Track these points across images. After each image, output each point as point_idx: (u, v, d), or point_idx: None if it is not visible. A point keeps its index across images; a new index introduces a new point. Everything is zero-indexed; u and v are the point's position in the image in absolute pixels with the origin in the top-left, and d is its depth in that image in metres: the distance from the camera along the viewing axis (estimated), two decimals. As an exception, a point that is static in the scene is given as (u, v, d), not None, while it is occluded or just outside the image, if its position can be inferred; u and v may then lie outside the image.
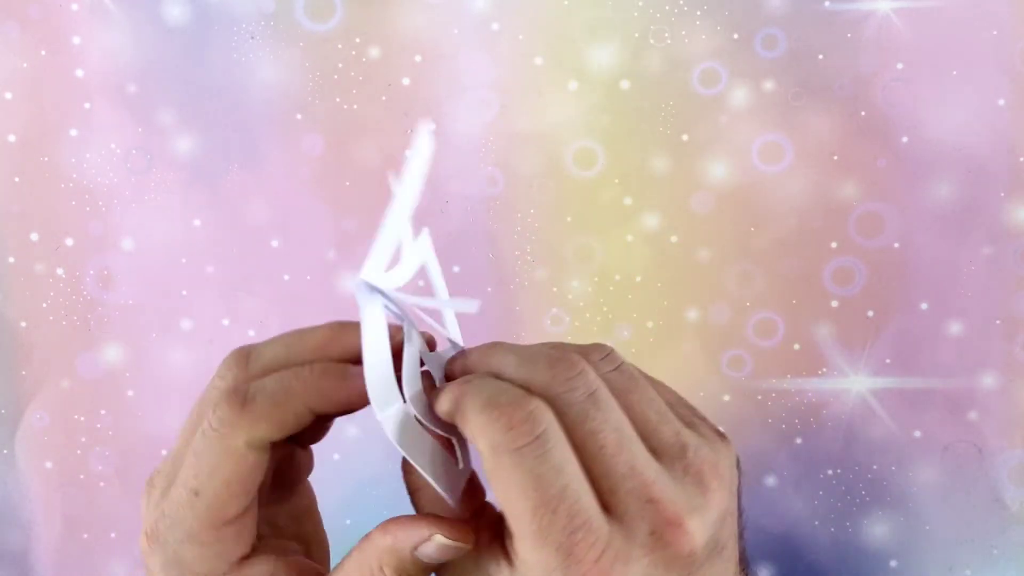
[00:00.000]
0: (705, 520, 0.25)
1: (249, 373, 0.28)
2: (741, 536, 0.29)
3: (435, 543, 0.26)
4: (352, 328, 0.29)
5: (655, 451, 0.26)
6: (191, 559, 0.27)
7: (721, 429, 0.28)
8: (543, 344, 0.28)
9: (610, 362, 0.27)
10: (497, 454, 0.24)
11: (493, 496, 0.26)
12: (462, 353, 0.29)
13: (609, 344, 0.28)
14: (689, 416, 0.28)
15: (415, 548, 0.26)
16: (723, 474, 0.26)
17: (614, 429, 0.25)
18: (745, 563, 0.29)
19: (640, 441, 0.25)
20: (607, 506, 0.25)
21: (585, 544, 0.24)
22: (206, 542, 0.27)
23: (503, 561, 0.26)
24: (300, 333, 0.29)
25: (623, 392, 0.26)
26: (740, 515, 0.28)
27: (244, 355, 0.29)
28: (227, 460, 0.27)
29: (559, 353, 0.26)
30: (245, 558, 0.28)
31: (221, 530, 0.27)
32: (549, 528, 0.24)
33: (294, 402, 0.27)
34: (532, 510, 0.24)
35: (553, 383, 0.25)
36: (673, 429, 0.26)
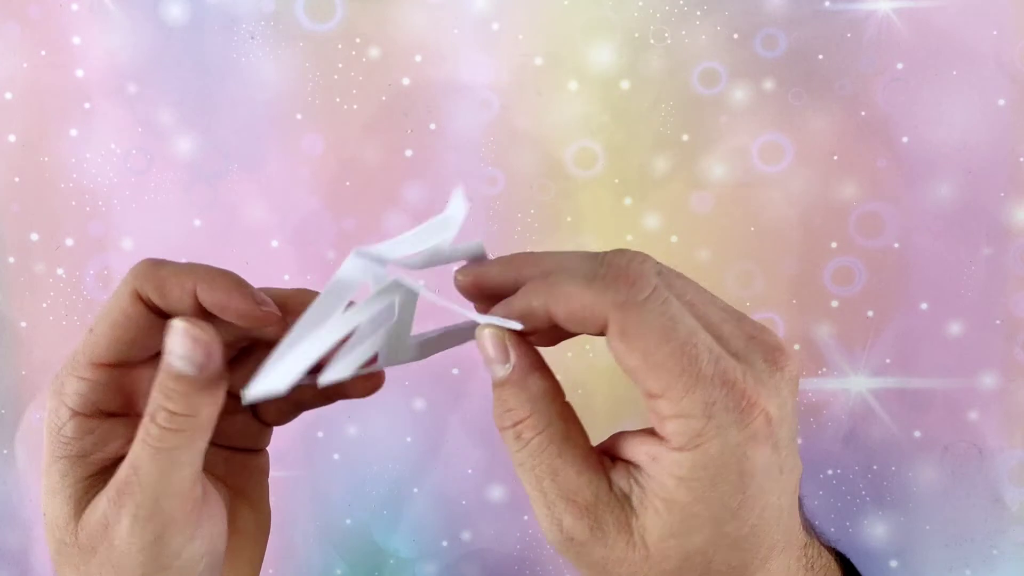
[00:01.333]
0: (783, 413, 0.27)
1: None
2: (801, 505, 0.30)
3: (172, 333, 0.27)
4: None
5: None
6: (68, 391, 0.29)
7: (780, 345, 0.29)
8: (569, 256, 0.29)
9: (660, 267, 0.28)
10: (626, 310, 0.26)
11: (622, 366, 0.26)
12: (506, 261, 0.30)
13: None
14: (748, 325, 0.29)
15: (165, 348, 0.28)
16: (781, 388, 0.27)
17: (695, 291, 0.27)
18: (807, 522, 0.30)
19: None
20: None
21: (731, 370, 0.26)
22: (84, 378, 0.29)
23: (649, 450, 0.27)
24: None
25: (680, 289, 0.28)
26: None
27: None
28: (117, 303, 0.29)
29: (618, 253, 0.28)
30: (111, 414, 0.30)
31: (98, 370, 0.29)
32: (697, 361, 0.25)
33: (183, 276, 0.29)
34: (678, 350, 0.25)
35: (630, 267, 0.27)
36: (736, 327, 0.28)
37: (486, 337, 0.28)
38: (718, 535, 0.26)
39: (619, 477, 0.27)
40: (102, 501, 0.28)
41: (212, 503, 0.30)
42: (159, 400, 0.27)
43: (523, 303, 0.28)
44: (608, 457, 0.28)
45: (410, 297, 0.30)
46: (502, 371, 0.28)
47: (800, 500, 0.29)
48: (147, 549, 0.28)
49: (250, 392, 0.26)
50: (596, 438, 0.29)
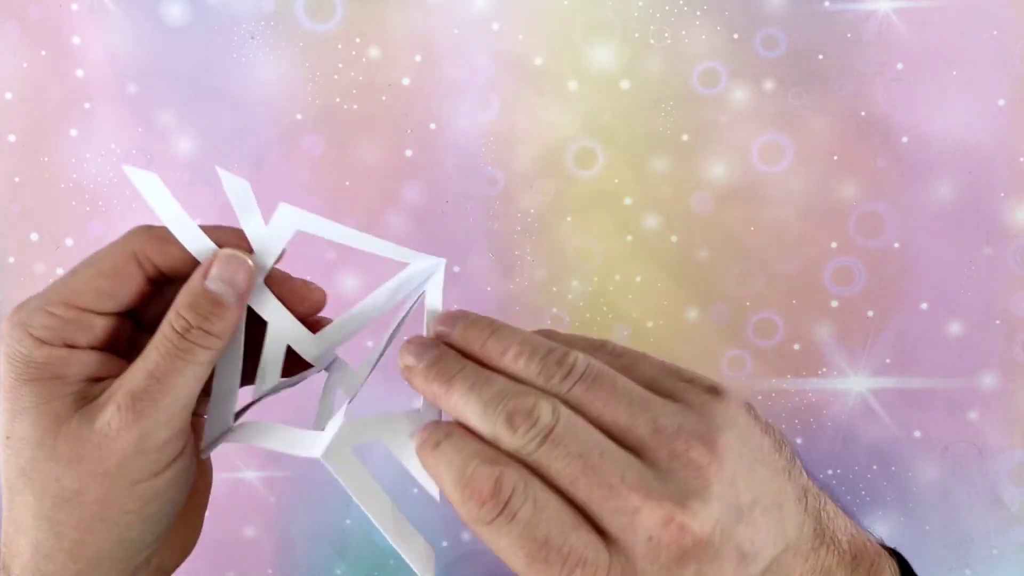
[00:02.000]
0: (707, 500, 0.25)
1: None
2: (810, 475, 0.29)
3: (220, 259, 0.31)
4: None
5: (635, 450, 0.26)
6: (36, 325, 0.30)
7: (716, 383, 0.28)
8: (510, 360, 0.29)
9: (570, 379, 0.27)
10: (478, 528, 0.27)
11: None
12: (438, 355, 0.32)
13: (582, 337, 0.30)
14: (673, 385, 0.28)
15: (204, 276, 0.30)
16: (716, 440, 0.26)
17: (578, 456, 0.26)
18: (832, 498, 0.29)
19: (612, 452, 0.26)
20: (601, 532, 0.26)
21: (579, 548, 0.25)
22: (56, 314, 0.30)
23: None
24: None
25: (586, 404, 0.27)
26: (795, 455, 0.29)
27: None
28: (109, 257, 0.31)
29: (514, 403, 0.27)
30: (77, 342, 0.30)
31: (70, 311, 0.30)
32: (547, 571, 0.25)
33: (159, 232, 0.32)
34: (526, 566, 0.26)
35: (512, 439, 0.26)
36: (649, 418, 0.26)
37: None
38: None
39: None
40: (109, 409, 0.29)
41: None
42: (193, 319, 0.29)
43: (423, 388, 0.31)
44: None
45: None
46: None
47: (816, 497, 0.29)
48: (146, 454, 0.29)
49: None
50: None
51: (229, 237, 0.33)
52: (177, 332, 0.29)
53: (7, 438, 0.30)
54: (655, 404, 0.27)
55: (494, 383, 0.28)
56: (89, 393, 0.30)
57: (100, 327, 0.31)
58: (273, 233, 0.33)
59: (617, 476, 0.25)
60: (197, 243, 0.32)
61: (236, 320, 0.31)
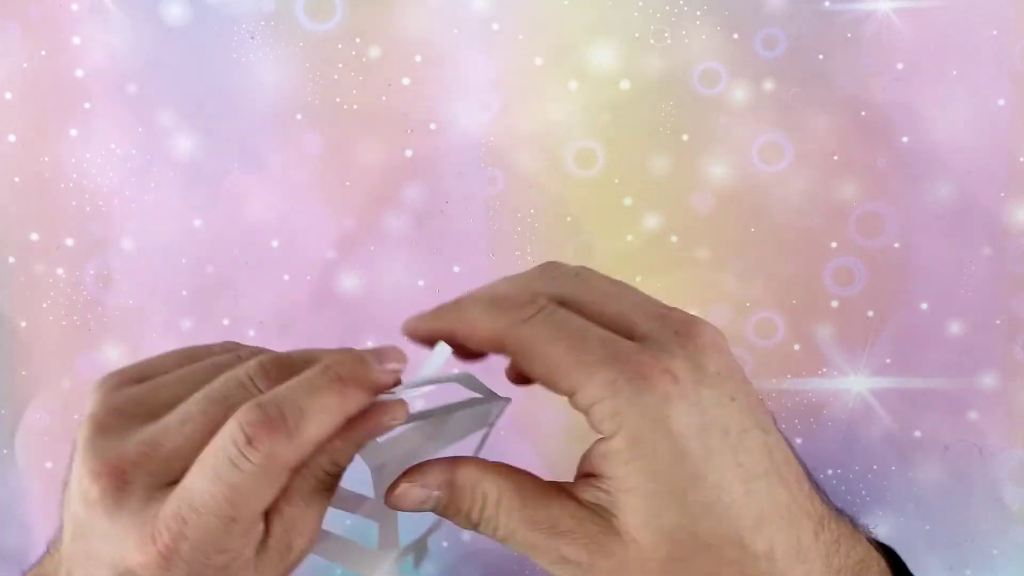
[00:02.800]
0: (702, 326, 0.28)
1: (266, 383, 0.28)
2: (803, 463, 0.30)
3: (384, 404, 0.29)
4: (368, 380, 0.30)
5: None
6: (217, 562, 0.27)
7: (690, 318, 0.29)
8: (496, 284, 0.31)
9: (563, 277, 0.30)
10: (516, 329, 0.28)
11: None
12: (423, 316, 0.31)
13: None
14: (660, 307, 0.30)
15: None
16: (701, 324, 0.29)
17: (605, 288, 0.30)
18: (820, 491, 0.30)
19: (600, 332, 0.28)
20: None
21: (623, 349, 0.27)
22: (226, 553, 0.26)
23: (598, 452, 0.28)
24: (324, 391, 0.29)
25: (585, 294, 0.30)
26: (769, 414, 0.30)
27: (282, 427, 0.27)
28: (268, 489, 0.26)
29: (514, 296, 0.29)
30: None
31: (243, 539, 0.27)
32: (588, 350, 0.27)
33: (335, 417, 0.27)
34: (568, 346, 0.27)
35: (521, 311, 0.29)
36: (646, 312, 0.29)
37: (406, 493, 0.29)
38: (685, 505, 0.27)
39: (584, 492, 0.28)
40: (271, 542, 0.28)
41: None
42: (344, 461, 0.29)
43: (429, 323, 0.30)
44: (575, 481, 0.29)
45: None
46: (437, 501, 0.29)
47: (812, 479, 0.30)
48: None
49: None
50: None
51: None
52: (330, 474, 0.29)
53: None
54: (649, 305, 0.30)
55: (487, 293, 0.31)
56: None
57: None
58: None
59: (632, 304, 0.29)
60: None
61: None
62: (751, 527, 0.27)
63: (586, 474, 0.29)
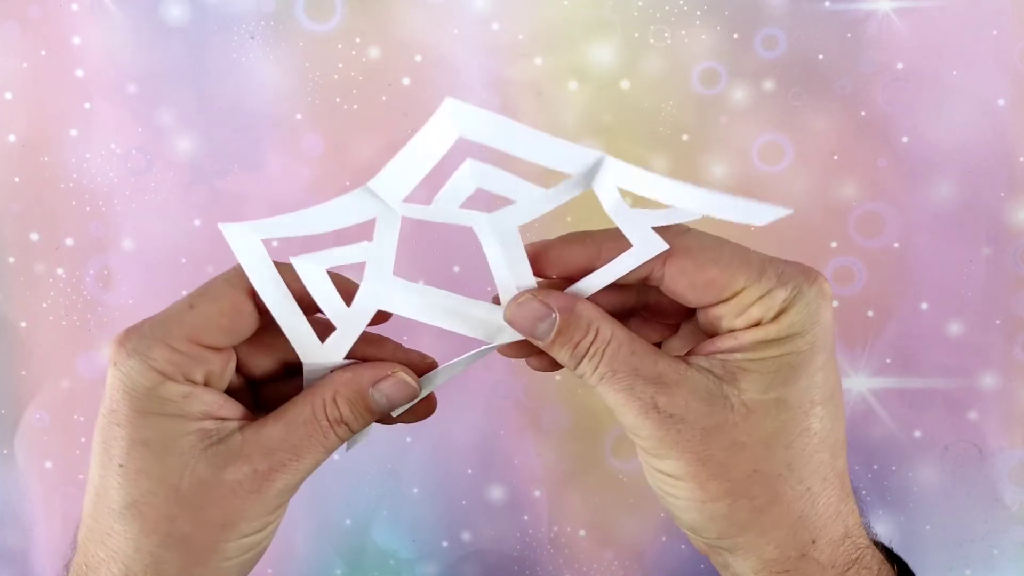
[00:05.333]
0: (823, 276, 0.31)
1: None
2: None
3: (394, 379, 0.31)
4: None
5: None
6: (156, 357, 0.30)
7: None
8: None
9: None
10: (683, 237, 0.31)
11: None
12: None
13: None
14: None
15: (374, 384, 0.31)
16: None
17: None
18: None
19: None
20: None
21: (782, 259, 0.30)
22: (176, 351, 0.30)
23: (725, 343, 0.30)
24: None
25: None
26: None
27: None
28: (230, 293, 0.31)
29: None
30: (200, 378, 0.31)
31: (192, 347, 0.30)
32: (753, 253, 0.30)
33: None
34: (734, 249, 0.31)
35: None
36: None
37: (527, 304, 0.30)
38: (812, 385, 0.29)
39: (698, 360, 0.30)
40: (243, 468, 0.30)
41: None
42: (347, 416, 0.31)
43: (570, 254, 0.31)
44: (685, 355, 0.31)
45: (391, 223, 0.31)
46: (551, 325, 0.30)
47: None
48: (264, 516, 0.30)
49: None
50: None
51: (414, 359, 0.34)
52: (328, 421, 0.31)
53: (120, 466, 0.29)
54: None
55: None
56: (211, 433, 0.30)
57: (216, 363, 0.31)
58: (352, 317, 0.32)
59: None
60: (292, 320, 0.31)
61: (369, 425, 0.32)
62: (840, 441, 0.30)
63: (695, 355, 0.30)
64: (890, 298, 0.54)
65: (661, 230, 0.30)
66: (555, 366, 0.33)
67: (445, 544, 0.56)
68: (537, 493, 0.56)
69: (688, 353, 0.31)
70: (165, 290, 0.55)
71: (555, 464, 0.56)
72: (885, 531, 0.55)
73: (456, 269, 0.54)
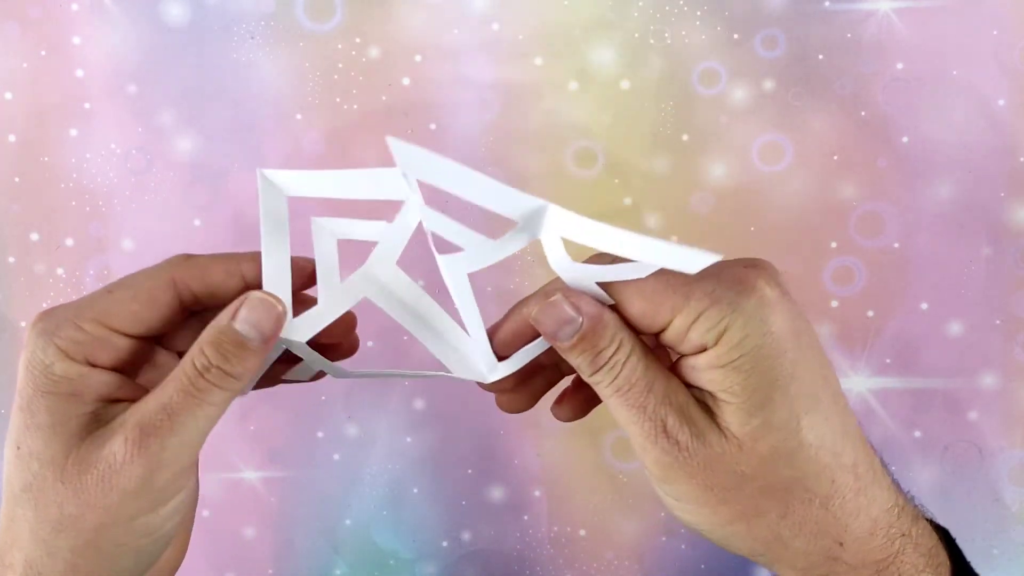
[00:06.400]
0: (764, 262, 0.31)
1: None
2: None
3: (249, 301, 0.30)
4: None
5: None
6: (60, 336, 0.29)
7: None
8: None
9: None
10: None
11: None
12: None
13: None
14: None
15: (232, 317, 0.29)
16: (761, 260, 0.31)
17: None
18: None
19: None
20: None
21: (712, 270, 0.29)
22: (81, 330, 0.30)
23: (693, 364, 0.29)
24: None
25: None
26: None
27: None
28: (148, 282, 0.31)
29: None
30: (98, 359, 0.30)
31: (100, 329, 0.30)
32: (678, 277, 0.29)
33: (230, 261, 0.31)
34: (656, 277, 0.29)
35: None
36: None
37: (557, 305, 0.30)
38: (788, 398, 0.28)
39: (691, 389, 0.30)
40: (117, 439, 0.28)
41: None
42: (214, 358, 0.29)
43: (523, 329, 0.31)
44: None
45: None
46: (575, 330, 0.30)
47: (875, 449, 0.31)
48: (149, 492, 0.29)
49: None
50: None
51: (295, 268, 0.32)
52: (196, 369, 0.29)
53: (17, 448, 0.29)
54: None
55: None
56: (104, 415, 0.29)
57: (124, 348, 0.31)
58: (339, 296, 0.32)
59: None
60: (277, 277, 0.31)
61: (257, 364, 0.30)
62: (839, 436, 0.29)
63: (685, 381, 0.30)
64: (890, 298, 0.54)
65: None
66: (574, 415, 0.33)
67: (445, 544, 0.56)
68: (537, 493, 0.56)
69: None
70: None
71: (555, 464, 0.56)
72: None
73: (456, 269, 0.54)
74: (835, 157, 0.53)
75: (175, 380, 0.29)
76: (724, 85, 0.53)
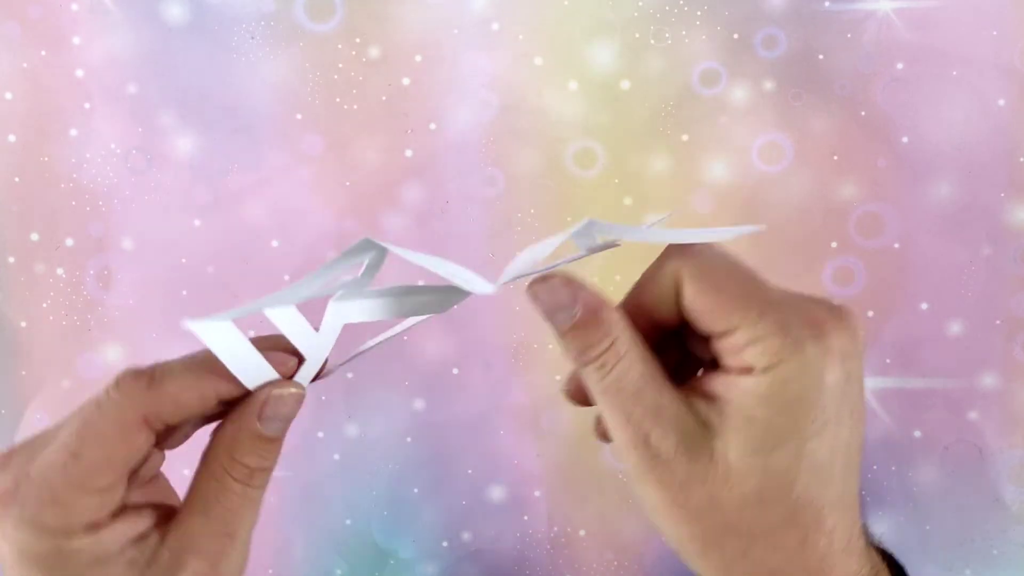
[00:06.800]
0: (856, 315, 0.29)
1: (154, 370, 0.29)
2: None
3: (272, 401, 0.28)
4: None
5: None
6: (50, 519, 0.27)
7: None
8: None
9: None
10: (693, 256, 0.29)
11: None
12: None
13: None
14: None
15: (259, 419, 0.28)
16: (851, 308, 0.30)
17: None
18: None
19: None
20: None
21: (800, 300, 0.28)
22: (70, 504, 0.27)
23: (727, 382, 0.28)
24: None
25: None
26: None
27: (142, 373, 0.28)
28: (118, 431, 0.27)
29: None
30: (105, 518, 0.28)
31: (90, 496, 0.27)
32: (765, 290, 0.28)
33: (204, 385, 0.28)
34: (747, 281, 0.29)
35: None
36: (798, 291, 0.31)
37: (556, 285, 0.29)
38: (800, 453, 0.27)
39: (697, 404, 0.28)
40: (164, 554, 0.28)
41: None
42: (255, 462, 0.29)
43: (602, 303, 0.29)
44: (687, 393, 0.30)
45: (378, 256, 0.30)
46: (570, 316, 0.29)
47: (860, 493, 0.30)
48: None
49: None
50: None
51: (279, 350, 0.30)
52: (240, 482, 0.28)
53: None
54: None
55: None
56: (135, 561, 0.28)
57: (117, 490, 0.28)
58: (321, 340, 0.30)
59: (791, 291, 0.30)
60: (258, 376, 0.29)
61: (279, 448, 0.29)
62: (831, 503, 0.28)
63: (702, 393, 0.29)
64: (890, 298, 0.54)
65: (680, 246, 0.29)
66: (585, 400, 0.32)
67: (445, 544, 0.56)
68: (537, 493, 0.56)
69: (695, 383, 0.30)
70: (165, 290, 0.55)
71: (555, 464, 0.56)
72: (885, 531, 0.55)
73: (456, 269, 0.54)
74: (835, 157, 0.53)
75: (221, 498, 0.28)
76: (724, 85, 0.53)
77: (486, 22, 0.53)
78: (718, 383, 0.28)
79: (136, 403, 0.27)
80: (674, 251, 0.29)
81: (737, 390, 0.27)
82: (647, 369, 0.29)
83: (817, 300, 0.29)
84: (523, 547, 0.56)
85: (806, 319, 0.27)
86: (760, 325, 0.27)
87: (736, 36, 0.52)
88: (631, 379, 0.28)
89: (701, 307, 0.28)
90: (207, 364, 0.28)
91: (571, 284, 0.29)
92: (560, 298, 0.29)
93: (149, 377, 0.28)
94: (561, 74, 0.53)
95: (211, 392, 0.28)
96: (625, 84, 0.53)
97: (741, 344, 0.27)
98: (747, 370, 0.27)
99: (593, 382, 0.29)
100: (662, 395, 0.28)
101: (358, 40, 0.53)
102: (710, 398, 0.28)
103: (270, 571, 0.56)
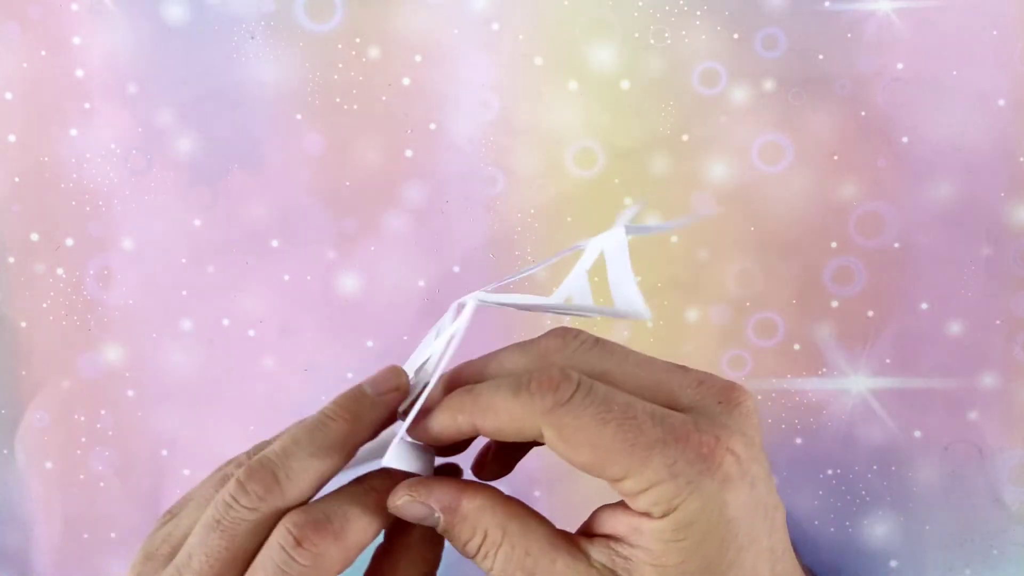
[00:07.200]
0: (746, 393, 0.28)
1: (288, 499, 0.28)
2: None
3: (401, 503, 0.29)
4: (366, 411, 0.31)
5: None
6: None
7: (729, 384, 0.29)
8: (508, 357, 0.30)
9: (585, 347, 0.29)
10: (555, 414, 0.26)
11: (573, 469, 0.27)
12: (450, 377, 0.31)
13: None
14: (693, 373, 0.29)
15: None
16: (740, 389, 0.28)
17: (632, 360, 0.28)
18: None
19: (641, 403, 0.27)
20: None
21: (680, 424, 0.26)
22: None
23: (629, 523, 0.27)
24: (314, 431, 0.31)
25: (615, 365, 0.29)
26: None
27: (271, 477, 0.28)
28: (228, 546, 0.27)
29: (544, 369, 0.28)
30: None
31: None
32: (641, 431, 0.25)
33: (379, 522, 0.29)
34: (619, 428, 0.26)
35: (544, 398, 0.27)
36: (683, 380, 0.28)
37: (408, 506, 0.28)
38: None
39: (599, 553, 0.27)
40: None
41: None
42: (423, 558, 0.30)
43: (445, 422, 0.29)
44: (586, 535, 0.28)
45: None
46: (435, 521, 0.29)
47: (794, 545, 0.29)
48: None
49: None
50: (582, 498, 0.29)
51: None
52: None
53: None
54: (683, 372, 0.28)
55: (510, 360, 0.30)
56: None
57: None
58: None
59: (676, 379, 0.28)
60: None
61: None
62: None
63: (602, 534, 0.28)
64: (890, 298, 0.54)
65: (535, 400, 0.27)
66: (498, 474, 0.33)
67: (445, 544, 0.56)
68: (537, 493, 0.56)
69: (595, 518, 0.29)
70: (165, 290, 0.55)
71: (555, 464, 0.56)
72: (885, 531, 0.55)
73: (456, 269, 0.54)
74: (835, 157, 0.53)
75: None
76: (724, 85, 0.53)
77: (486, 22, 0.53)
78: (620, 523, 0.27)
79: (328, 564, 0.28)
80: (533, 408, 0.27)
81: (641, 535, 0.26)
82: (532, 542, 0.27)
83: (700, 399, 0.27)
84: (523, 547, 0.56)
85: (692, 451, 0.25)
86: (646, 473, 0.25)
87: (736, 36, 0.52)
88: (517, 560, 0.27)
89: (578, 464, 0.27)
90: (373, 493, 0.29)
91: (421, 490, 0.28)
92: (418, 512, 0.29)
93: (331, 530, 0.28)
94: (561, 74, 0.53)
95: (386, 521, 0.30)
96: (625, 84, 0.53)
97: (634, 491, 0.26)
98: (647, 515, 0.26)
99: (485, 571, 0.28)
100: (556, 564, 0.27)
101: (358, 40, 0.53)
102: (614, 539, 0.27)
103: (270, 571, 0.56)
